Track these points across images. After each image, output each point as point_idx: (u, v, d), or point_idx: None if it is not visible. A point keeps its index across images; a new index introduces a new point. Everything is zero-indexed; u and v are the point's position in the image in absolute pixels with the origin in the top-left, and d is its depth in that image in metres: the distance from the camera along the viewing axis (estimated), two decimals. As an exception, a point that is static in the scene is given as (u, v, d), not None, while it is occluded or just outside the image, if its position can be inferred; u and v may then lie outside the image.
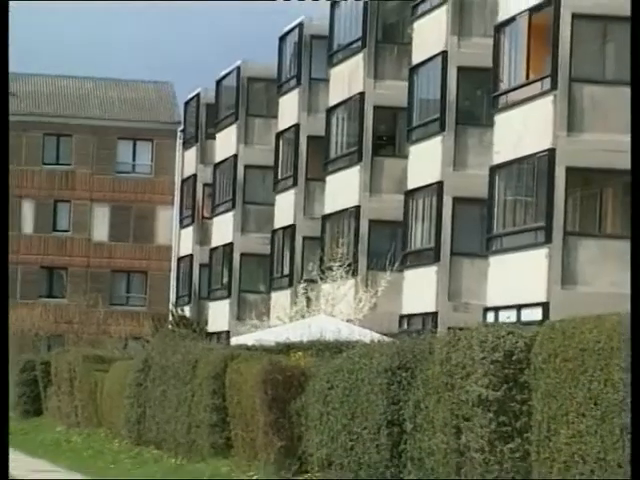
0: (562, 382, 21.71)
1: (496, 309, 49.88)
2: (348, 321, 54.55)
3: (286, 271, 76.08)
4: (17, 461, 47.15)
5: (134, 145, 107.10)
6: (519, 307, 48.07)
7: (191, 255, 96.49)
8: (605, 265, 47.31)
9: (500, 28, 52.84)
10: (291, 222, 76.40)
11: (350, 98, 67.75)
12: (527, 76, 50.99)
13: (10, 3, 11.32)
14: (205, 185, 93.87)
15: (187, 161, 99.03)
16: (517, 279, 49.33)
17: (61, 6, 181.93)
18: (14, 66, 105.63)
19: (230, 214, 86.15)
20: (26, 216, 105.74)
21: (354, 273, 64.49)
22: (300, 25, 77.06)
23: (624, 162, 44.66)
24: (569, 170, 48.50)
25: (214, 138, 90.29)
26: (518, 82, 51.81)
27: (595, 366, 20.75)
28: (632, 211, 12.89)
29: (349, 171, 67.67)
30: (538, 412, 22.64)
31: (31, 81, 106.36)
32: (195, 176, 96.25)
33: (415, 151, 60.29)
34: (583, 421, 21.36)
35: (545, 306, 46.78)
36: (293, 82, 77.11)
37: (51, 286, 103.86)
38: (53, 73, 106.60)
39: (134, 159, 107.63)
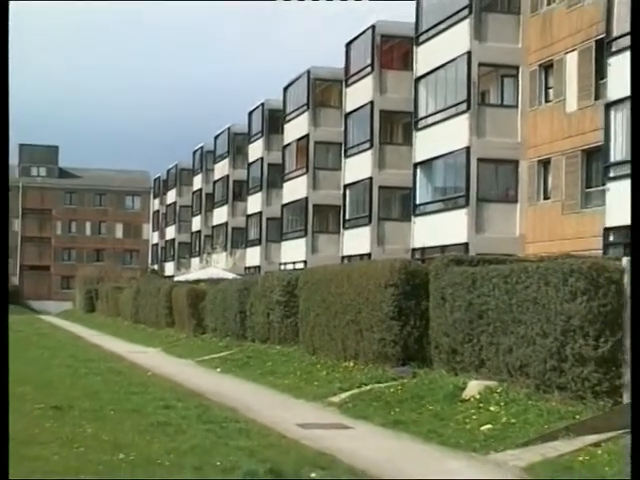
0: (310, 294, 22.12)
1: (285, 264, 49.61)
2: (223, 270, 54.04)
3: (197, 249, 74.97)
4: (83, 331, 46.71)
5: (132, 198, 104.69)
6: (294, 263, 47.87)
7: (157, 243, 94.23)
8: (329, 245, 46.91)
9: (285, 147, 52.21)
10: (199, 229, 75.22)
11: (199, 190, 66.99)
12: (296, 166, 50.61)
13: (10, 3, 7.87)
14: (163, 214, 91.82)
15: (155, 204, 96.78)
16: (293, 252, 49.05)
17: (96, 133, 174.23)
18: (80, 162, 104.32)
19: (174, 226, 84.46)
20: (87, 229, 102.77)
21: (226, 249, 63.81)
22: (202, 148, 75.99)
23: (336, 201, 44.70)
24: (315, 206, 48.14)
25: (166, 194, 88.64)
26: (291, 169, 51.35)
27: (323, 287, 21.37)
28: (632, 210, 8.33)
29: (222, 208, 66.62)
30: (301, 305, 22.99)
31: (88, 171, 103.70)
32: (158, 211, 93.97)
33: (251, 199, 59.87)
34: (320, 309, 21.38)
35: (305, 262, 46.51)
36: (195, 175, 76.39)
37: (98, 258, 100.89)
38: (97, 167, 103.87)
39: (132, 204, 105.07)
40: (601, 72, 26.83)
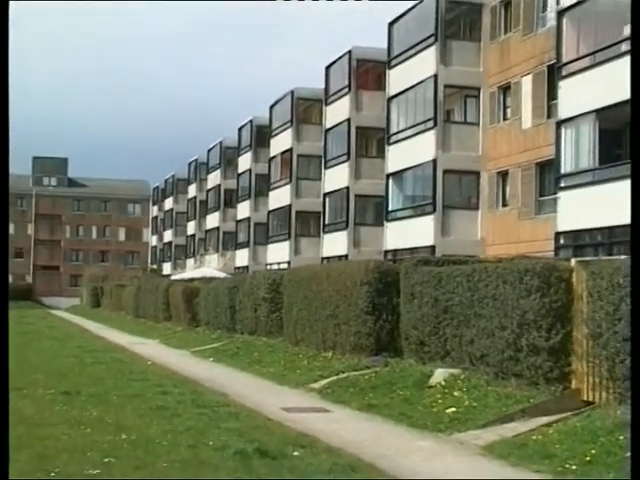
0: (293, 291, 21.84)
1: (271, 264, 49.27)
2: (215, 269, 53.77)
3: (192, 251, 74.58)
4: (89, 324, 46.10)
5: (133, 205, 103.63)
6: (279, 263, 47.69)
7: (156, 245, 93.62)
8: (310, 247, 46.56)
9: (271, 159, 51.89)
10: (194, 232, 74.88)
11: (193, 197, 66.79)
12: (280, 177, 50.38)
13: (10, 3, 7.00)
14: (161, 219, 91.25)
15: (154, 210, 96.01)
16: (278, 253, 48.76)
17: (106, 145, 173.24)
18: (86, 173, 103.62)
19: (171, 230, 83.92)
20: (93, 233, 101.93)
21: (218, 251, 63.54)
22: (196, 160, 75.61)
23: (317, 208, 44.44)
24: (297, 212, 47.78)
25: (164, 202, 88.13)
26: (276, 179, 51.13)
27: (305, 285, 21.03)
28: (631, 211, 7.50)
29: (214, 214, 66.34)
30: (285, 301, 22.71)
31: (94, 181, 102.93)
32: (157, 216, 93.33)
33: (240, 206, 59.66)
34: (302, 305, 20.79)
35: (289, 263, 46.31)
36: (190, 184, 75.98)
37: (103, 258, 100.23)
38: (102, 177, 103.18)
39: (134, 210, 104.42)
40: (553, 94, 26.86)
